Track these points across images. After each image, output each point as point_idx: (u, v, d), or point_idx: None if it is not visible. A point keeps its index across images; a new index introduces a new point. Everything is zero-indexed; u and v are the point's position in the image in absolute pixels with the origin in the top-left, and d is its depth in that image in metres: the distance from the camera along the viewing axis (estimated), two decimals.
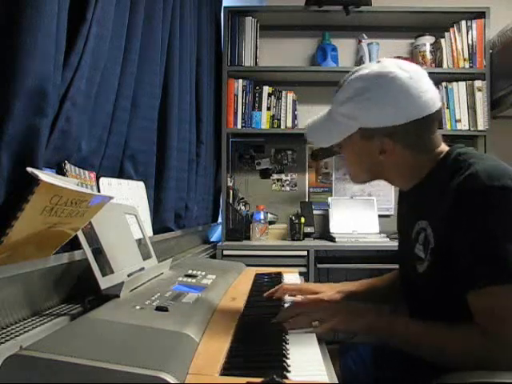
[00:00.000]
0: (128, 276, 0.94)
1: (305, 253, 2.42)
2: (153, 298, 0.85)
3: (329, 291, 1.16)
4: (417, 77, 0.93)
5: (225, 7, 2.76)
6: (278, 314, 0.92)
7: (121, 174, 1.31)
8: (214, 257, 2.38)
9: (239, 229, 2.64)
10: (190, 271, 1.19)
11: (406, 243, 1.03)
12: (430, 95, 0.93)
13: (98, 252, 0.87)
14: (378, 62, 0.97)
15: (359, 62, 2.82)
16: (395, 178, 1.02)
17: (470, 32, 2.69)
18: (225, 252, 2.44)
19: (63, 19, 0.87)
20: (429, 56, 2.79)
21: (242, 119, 2.73)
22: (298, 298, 1.13)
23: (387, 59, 0.98)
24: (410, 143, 0.95)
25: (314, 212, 2.89)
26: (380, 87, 0.92)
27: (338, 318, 0.88)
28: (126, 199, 1.26)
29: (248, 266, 1.56)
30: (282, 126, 2.76)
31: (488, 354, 0.80)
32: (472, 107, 2.68)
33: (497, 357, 0.80)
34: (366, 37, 2.82)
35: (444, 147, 0.98)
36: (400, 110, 0.91)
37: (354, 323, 0.90)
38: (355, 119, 0.95)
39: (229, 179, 2.77)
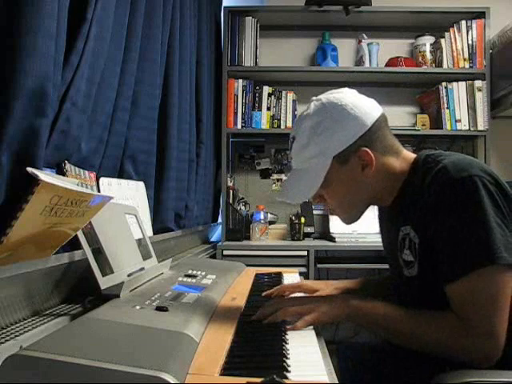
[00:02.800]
0: (128, 276, 0.94)
1: (305, 253, 2.42)
2: (153, 298, 0.85)
3: (326, 288, 1.16)
4: (349, 93, 0.98)
5: (225, 7, 2.76)
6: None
7: (121, 174, 1.31)
8: (214, 257, 2.38)
9: (239, 229, 2.64)
10: (190, 271, 1.19)
11: (392, 255, 1.04)
12: (370, 100, 0.98)
13: (98, 252, 0.87)
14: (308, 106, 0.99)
15: (359, 62, 2.82)
16: (383, 192, 1.01)
17: (469, 32, 2.69)
18: (225, 252, 2.44)
19: (63, 19, 0.87)
20: (429, 56, 2.79)
21: (242, 119, 2.73)
22: (298, 295, 1.14)
23: (314, 98, 1.00)
24: (380, 147, 0.96)
25: (314, 212, 2.89)
26: (330, 113, 0.95)
27: (316, 312, 0.88)
28: (126, 199, 1.26)
29: (248, 266, 1.56)
30: (282, 126, 2.76)
31: (460, 340, 0.82)
32: (472, 107, 2.68)
33: (469, 343, 0.81)
34: (365, 37, 2.82)
35: (413, 155, 1.00)
36: (359, 118, 0.93)
37: (331, 313, 0.90)
38: (325, 152, 0.95)
39: (229, 179, 2.76)
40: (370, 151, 0.94)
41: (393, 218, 1.02)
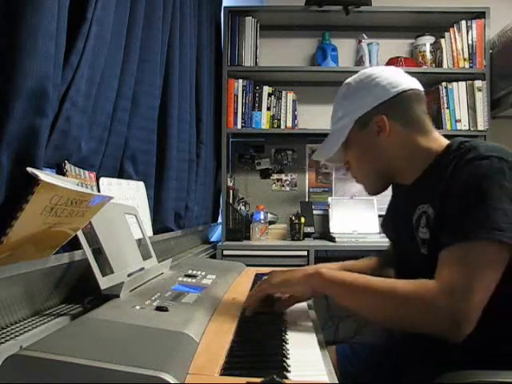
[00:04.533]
0: (128, 276, 0.94)
1: (305, 253, 2.42)
2: (153, 298, 0.85)
3: None
4: (384, 67, 1.07)
5: (225, 7, 2.76)
6: (277, 314, 0.93)
7: (121, 174, 1.31)
8: (214, 257, 2.38)
9: (239, 229, 2.64)
10: (190, 271, 1.19)
11: (406, 234, 1.02)
12: (407, 76, 1.03)
13: (98, 252, 0.87)
14: None
15: (359, 62, 2.83)
16: (402, 165, 1.02)
17: (470, 32, 2.69)
18: (225, 252, 2.44)
19: (63, 19, 0.87)
20: (429, 56, 2.79)
21: (242, 119, 2.73)
22: None
23: None
24: (402, 118, 1.00)
25: (314, 212, 2.89)
26: (360, 80, 1.04)
27: (276, 280, 0.93)
28: (126, 199, 1.26)
29: (248, 266, 1.56)
30: (282, 126, 2.76)
31: (433, 300, 0.80)
32: (472, 107, 2.68)
33: (442, 302, 0.79)
34: (365, 37, 2.82)
35: (445, 140, 1.01)
36: (383, 87, 0.99)
37: (291, 280, 0.92)
38: (349, 114, 1.03)
39: (229, 179, 2.77)
40: (385, 118, 0.99)
41: (411, 196, 1.02)
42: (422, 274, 0.96)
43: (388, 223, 1.21)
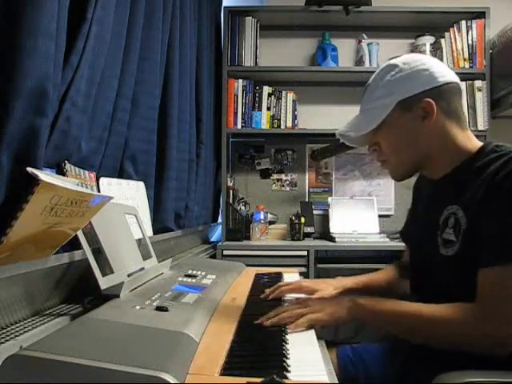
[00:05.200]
0: (128, 276, 0.94)
1: (305, 253, 2.42)
2: (153, 298, 0.85)
3: (326, 289, 1.14)
4: (430, 56, 1.08)
5: (225, 7, 2.76)
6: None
7: (121, 174, 1.31)
8: (214, 257, 2.38)
9: (239, 229, 2.64)
10: (190, 271, 1.19)
11: (426, 234, 1.02)
12: (451, 70, 1.02)
13: (98, 252, 0.87)
14: None
15: (359, 62, 2.83)
16: (437, 155, 1.00)
17: (470, 32, 2.69)
18: (225, 252, 2.44)
19: (63, 19, 0.87)
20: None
21: (242, 119, 2.73)
22: (299, 295, 1.13)
23: None
24: (445, 107, 0.98)
25: (314, 212, 2.89)
26: (408, 63, 1.01)
27: (321, 312, 0.90)
28: (126, 199, 1.26)
29: (248, 266, 1.56)
30: (282, 126, 2.76)
31: (474, 326, 0.83)
32: (472, 107, 2.68)
33: (483, 327, 0.82)
34: (365, 37, 2.82)
35: (478, 141, 1.01)
36: (432, 74, 0.98)
37: (336, 313, 0.92)
38: (392, 95, 0.99)
39: (229, 179, 2.76)
40: (433, 103, 0.97)
41: (439, 196, 1.01)
42: (438, 276, 0.96)
43: (408, 229, 1.20)
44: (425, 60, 1.01)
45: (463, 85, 2.69)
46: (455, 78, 1.01)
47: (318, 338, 0.82)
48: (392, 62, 1.04)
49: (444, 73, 0.99)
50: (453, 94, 0.99)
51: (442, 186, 1.01)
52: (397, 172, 1.07)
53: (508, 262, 0.82)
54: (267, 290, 1.12)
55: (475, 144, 0.99)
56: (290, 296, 1.13)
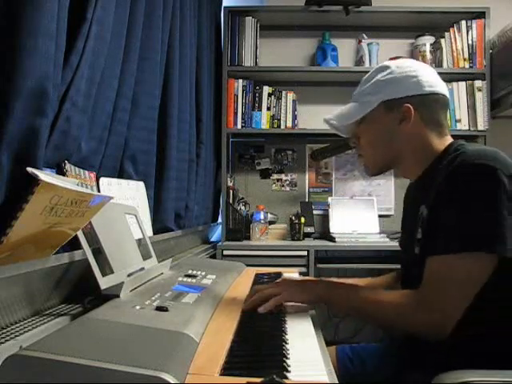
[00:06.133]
0: (128, 276, 0.94)
1: (305, 253, 2.42)
2: (153, 298, 0.85)
3: None
4: (425, 64, 1.09)
5: (225, 7, 2.76)
6: (277, 314, 0.93)
7: (121, 174, 1.31)
8: (214, 257, 2.38)
9: (239, 229, 2.64)
10: (190, 271, 1.19)
11: (408, 233, 1.05)
12: (442, 81, 1.06)
13: (98, 252, 0.87)
14: None
15: (359, 62, 2.83)
16: (409, 158, 1.05)
17: (470, 32, 2.69)
18: (225, 252, 2.44)
19: (63, 19, 0.87)
20: (429, 56, 2.79)
21: (242, 119, 2.73)
22: None
23: None
24: (426, 116, 1.02)
25: (314, 212, 2.89)
26: (401, 67, 1.05)
27: (288, 291, 0.96)
28: (126, 199, 1.26)
29: (248, 266, 1.56)
30: (282, 126, 2.76)
31: (412, 315, 0.88)
32: (472, 107, 2.68)
33: (419, 316, 0.87)
34: (365, 37, 2.82)
35: (449, 140, 1.04)
36: (420, 81, 1.02)
37: (302, 293, 0.97)
38: (378, 93, 1.04)
39: (229, 179, 2.77)
40: (412, 109, 1.01)
41: (415, 197, 1.07)
42: (412, 275, 0.98)
43: (402, 235, 1.22)
44: (418, 67, 1.04)
45: (463, 85, 2.69)
46: (443, 90, 1.04)
47: (318, 337, 0.82)
48: (387, 63, 1.08)
49: (433, 83, 1.03)
50: (437, 105, 1.03)
51: (416, 189, 1.07)
52: (369, 168, 1.13)
53: (452, 251, 0.85)
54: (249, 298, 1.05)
55: (445, 145, 1.02)
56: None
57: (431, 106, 1.02)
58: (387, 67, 1.06)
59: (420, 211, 0.99)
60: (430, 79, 1.03)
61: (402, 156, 1.06)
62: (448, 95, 1.06)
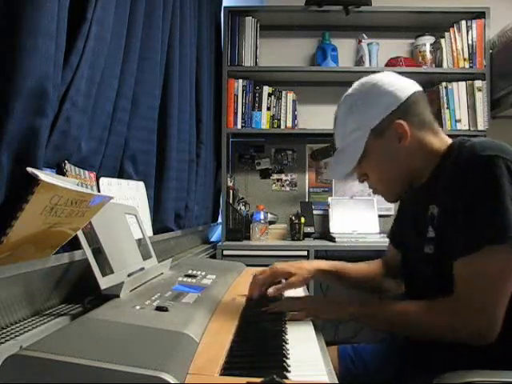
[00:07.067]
0: (128, 276, 0.94)
1: (305, 253, 2.42)
2: (153, 298, 0.85)
3: (301, 273, 1.17)
4: (382, 74, 1.04)
5: (225, 7, 2.76)
6: (277, 315, 0.94)
7: (121, 174, 1.31)
8: (214, 257, 2.38)
9: (239, 229, 2.64)
10: (190, 271, 1.19)
11: (414, 235, 1.03)
12: (406, 79, 1.02)
13: (98, 252, 0.87)
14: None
15: (359, 61, 2.83)
16: (421, 168, 1.01)
17: (470, 32, 2.69)
18: (225, 252, 2.44)
19: (63, 19, 0.87)
20: (429, 56, 2.79)
21: (242, 119, 2.73)
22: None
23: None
24: (416, 120, 0.98)
25: (314, 212, 2.89)
26: (364, 91, 1.01)
27: (318, 308, 0.96)
28: (126, 199, 1.26)
29: (248, 266, 1.56)
30: (282, 126, 2.76)
31: (454, 320, 0.85)
32: (472, 107, 2.68)
33: (461, 321, 0.84)
34: (365, 37, 2.82)
35: (449, 139, 1.02)
36: (393, 92, 0.98)
37: (337, 313, 0.98)
38: (362, 127, 0.99)
39: (229, 179, 2.76)
40: (404, 123, 0.97)
41: (421, 198, 1.02)
42: (422, 272, 0.97)
43: (396, 231, 1.20)
44: (381, 80, 1.00)
45: (463, 85, 2.69)
46: (414, 86, 1.00)
47: (318, 337, 0.82)
48: (349, 92, 1.04)
49: (403, 86, 0.99)
50: (418, 105, 0.99)
51: (423, 191, 1.02)
52: (389, 195, 1.08)
53: (475, 249, 0.83)
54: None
55: (446, 143, 1.00)
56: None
57: (415, 109, 0.99)
58: (348, 97, 1.03)
59: (429, 210, 0.96)
60: (399, 84, 0.99)
61: (416, 168, 1.01)
62: (417, 86, 1.01)
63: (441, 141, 1.00)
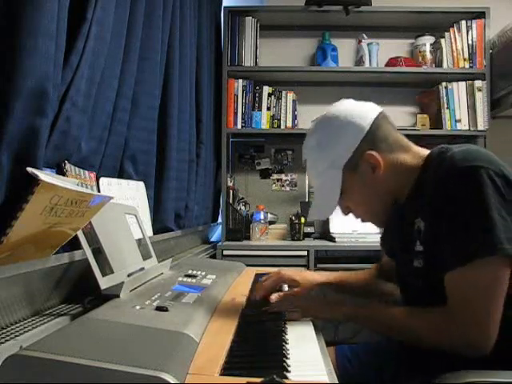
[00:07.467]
0: (128, 276, 0.94)
1: (305, 253, 2.42)
2: (153, 298, 0.85)
3: (304, 282, 1.19)
4: (340, 104, 1.02)
5: (225, 7, 2.76)
6: (277, 315, 0.94)
7: (121, 174, 1.31)
8: (214, 257, 2.38)
9: (239, 229, 2.64)
10: (190, 271, 1.19)
11: (403, 250, 1.02)
12: (364, 104, 1.01)
13: (98, 252, 0.87)
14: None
15: (359, 62, 2.82)
16: (401, 188, 1.00)
17: (470, 32, 2.69)
18: (225, 252, 2.44)
19: (63, 19, 0.87)
20: (429, 56, 2.79)
21: (242, 119, 2.73)
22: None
23: (313, 120, 1.06)
24: (385, 145, 0.97)
25: None
26: (327, 127, 1.00)
27: (312, 307, 0.98)
28: (126, 199, 1.26)
29: (248, 266, 1.56)
30: (282, 126, 2.76)
31: (448, 332, 0.84)
32: (472, 107, 2.68)
33: (455, 333, 0.83)
34: (365, 37, 2.82)
35: (426, 150, 1.00)
36: (355, 124, 0.96)
37: (331, 312, 0.99)
38: (333, 165, 0.99)
39: (229, 179, 2.76)
40: (374, 153, 0.96)
41: (406, 212, 1.01)
42: (412, 286, 0.98)
43: (386, 242, 1.21)
44: (341, 112, 0.98)
45: (463, 85, 2.69)
46: (374, 111, 0.99)
47: (318, 337, 0.82)
48: (312, 131, 1.02)
49: (362, 115, 0.97)
50: (382, 127, 0.98)
51: (407, 204, 1.01)
52: (377, 222, 1.09)
53: (466, 262, 0.82)
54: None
55: (423, 156, 0.98)
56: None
57: (381, 135, 0.97)
58: (313, 136, 1.01)
59: (416, 224, 0.95)
60: (358, 112, 0.98)
61: (395, 190, 1.00)
62: (377, 110, 0.99)
63: (414, 155, 0.99)
